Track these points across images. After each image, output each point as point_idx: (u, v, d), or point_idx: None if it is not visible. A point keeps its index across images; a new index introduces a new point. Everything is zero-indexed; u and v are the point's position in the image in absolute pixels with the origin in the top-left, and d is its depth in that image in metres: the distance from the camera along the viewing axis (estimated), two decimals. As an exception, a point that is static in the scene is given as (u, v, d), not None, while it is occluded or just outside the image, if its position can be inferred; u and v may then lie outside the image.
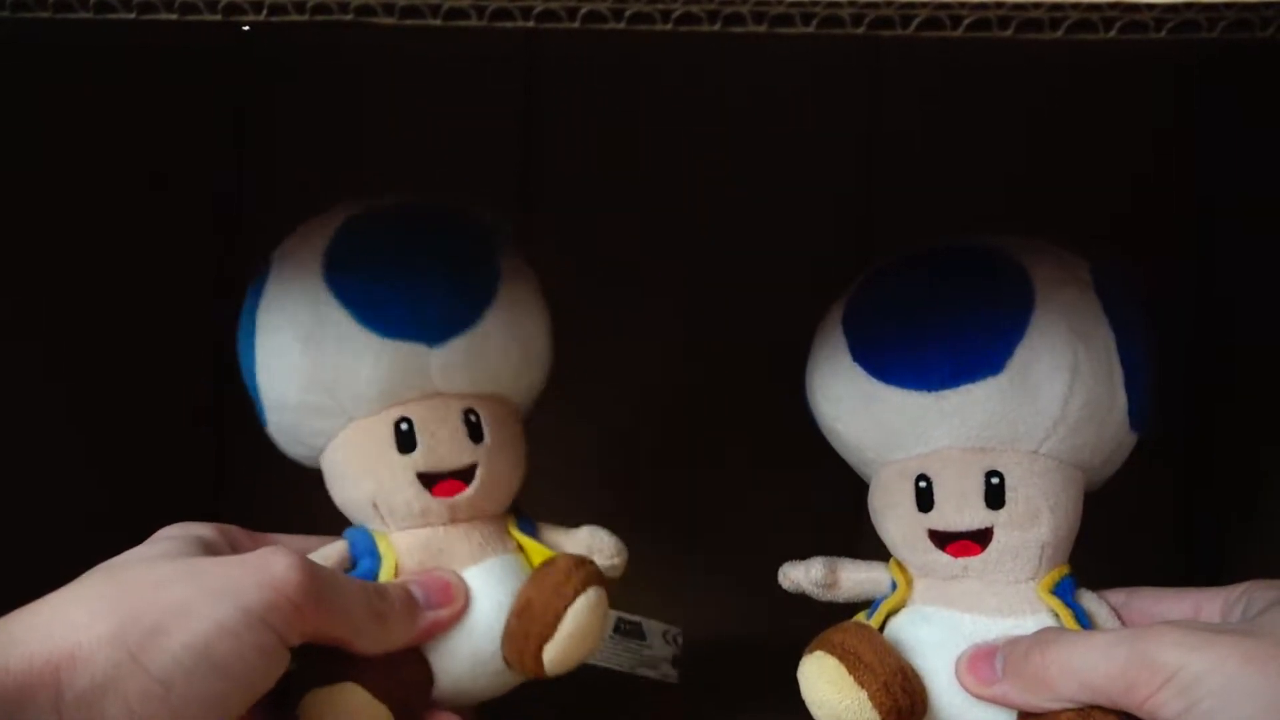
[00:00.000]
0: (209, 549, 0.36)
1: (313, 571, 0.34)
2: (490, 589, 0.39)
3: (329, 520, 0.41)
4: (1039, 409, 0.37)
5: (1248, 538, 0.50)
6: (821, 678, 0.35)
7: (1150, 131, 0.56)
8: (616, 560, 0.42)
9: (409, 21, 0.29)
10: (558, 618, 0.38)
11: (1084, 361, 0.37)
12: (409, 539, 0.40)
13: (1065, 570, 0.38)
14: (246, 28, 0.55)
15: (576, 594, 0.38)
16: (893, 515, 0.39)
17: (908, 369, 0.38)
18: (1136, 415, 0.39)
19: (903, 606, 0.39)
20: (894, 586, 0.39)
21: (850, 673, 0.35)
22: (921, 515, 0.38)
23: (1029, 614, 0.37)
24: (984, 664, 0.36)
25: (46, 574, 0.32)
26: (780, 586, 0.40)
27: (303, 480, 0.41)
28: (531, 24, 0.29)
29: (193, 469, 0.56)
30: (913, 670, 0.36)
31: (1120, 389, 0.38)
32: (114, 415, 0.49)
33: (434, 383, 0.40)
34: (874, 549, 0.41)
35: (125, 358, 0.49)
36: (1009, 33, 0.27)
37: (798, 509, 0.56)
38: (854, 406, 0.40)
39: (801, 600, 0.40)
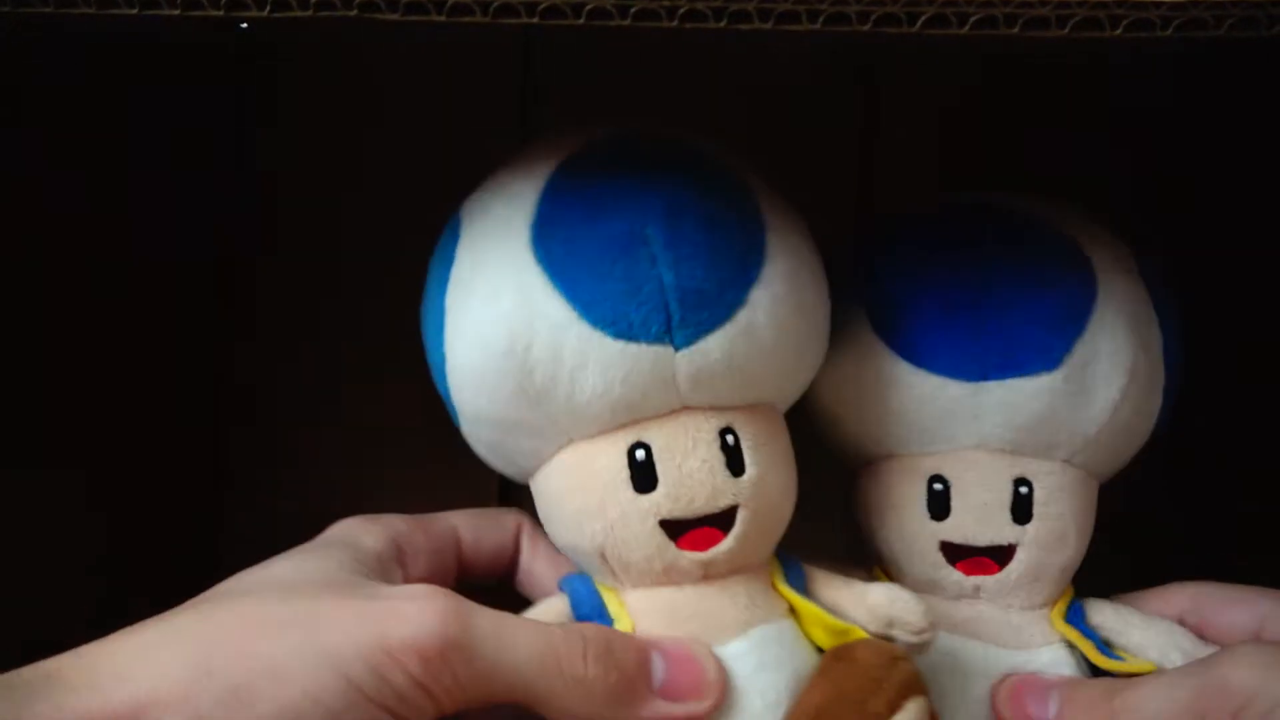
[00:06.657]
0: (380, 562, 0.30)
1: (457, 628, 0.26)
2: (761, 676, 0.29)
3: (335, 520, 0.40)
4: (1089, 415, 0.33)
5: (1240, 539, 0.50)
6: None
7: (1151, 130, 0.56)
8: (927, 636, 0.31)
9: (412, 17, 0.29)
10: None
11: (1141, 365, 0.33)
12: (648, 600, 0.31)
13: (1071, 593, 0.34)
14: (244, 25, 0.55)
15: (892, 710, 0.28)
16: (894, 518, 0.34)
17: (947, 352, 0.33)
18: (1161, 424, 0.35)
19: None
20: None
21: None
22: (933, 523, 0.33)
23: (1042, 645, 0.33)
24: (1037, 702, 0.31)
25: (44, 576, 0.31)
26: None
27: (305, 479, 0.41)
28: (536, 20, 0.28)
29: (192, 466, 0.56)
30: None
31: (1160, 395, 0.34)
32: (111, 412, 0.48)
33: (680, 396, 0.30)
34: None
35: (125, 353, 0.49)
36: (1015, 30, 0.27)
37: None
38: (865, 389, 0.33)
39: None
